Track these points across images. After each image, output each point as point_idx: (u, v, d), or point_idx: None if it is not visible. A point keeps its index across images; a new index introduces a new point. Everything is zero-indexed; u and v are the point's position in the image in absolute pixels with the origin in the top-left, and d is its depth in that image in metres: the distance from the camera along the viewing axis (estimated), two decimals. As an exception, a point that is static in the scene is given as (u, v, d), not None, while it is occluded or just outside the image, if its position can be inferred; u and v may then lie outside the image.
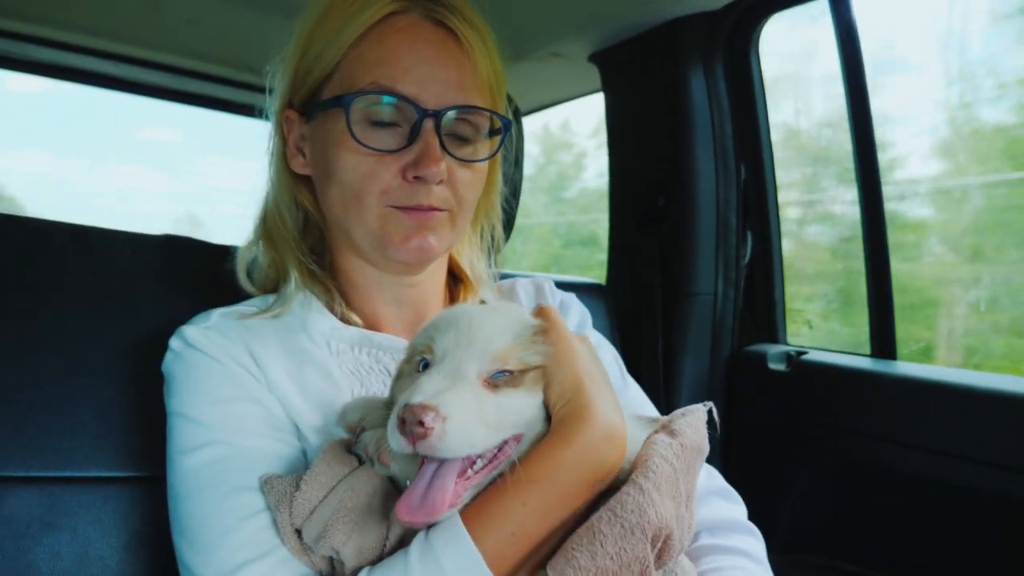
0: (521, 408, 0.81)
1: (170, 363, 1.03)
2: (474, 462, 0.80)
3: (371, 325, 1.13)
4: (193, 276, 1.27)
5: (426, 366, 0.83)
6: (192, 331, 1.02)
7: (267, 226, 1.15)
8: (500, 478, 0.80)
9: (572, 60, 2.25)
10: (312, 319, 1.08)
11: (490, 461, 0.81)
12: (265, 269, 1.15)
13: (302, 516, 0.83)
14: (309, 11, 1.07)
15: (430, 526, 0.80)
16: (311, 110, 1.07)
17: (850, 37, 1.74)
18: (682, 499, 0.83)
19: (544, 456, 0.80)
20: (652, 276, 2.04)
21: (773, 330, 2.03)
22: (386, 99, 1.00)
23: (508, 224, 1.65)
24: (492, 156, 1.11)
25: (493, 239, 1.29)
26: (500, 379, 0.80)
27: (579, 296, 1.37)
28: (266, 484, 0.88)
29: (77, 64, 2.46)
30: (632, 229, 2.12)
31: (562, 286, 1.38)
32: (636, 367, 1.99)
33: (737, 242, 2.01)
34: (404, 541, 0.82)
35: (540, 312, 0.89)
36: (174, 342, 1.03)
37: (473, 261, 1.27)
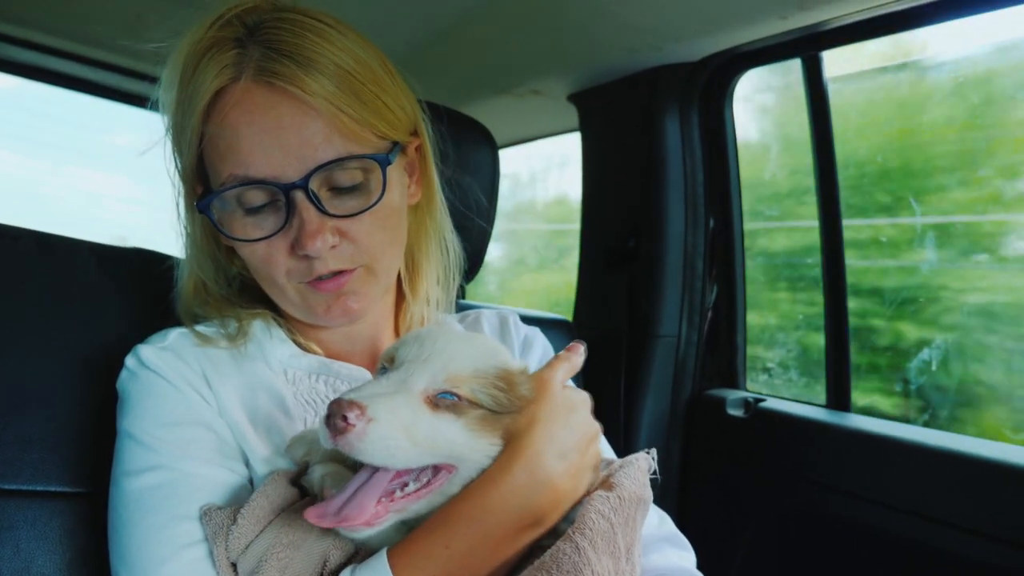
0: (455, 439, 0.79)
1: (124, 381, 1.02)
2: (406, 484, 0.79)
3: (331, 357, 1.12)
4: (161, 291, 1.25)
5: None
6: (147, 351, 1.02)
7: (194, 295, 1.12)
8: (430, 514, 0.80)
9: (552, 99, 2.29)
10: (271, 346, 1.08)
11: (422, 487, 0.80)
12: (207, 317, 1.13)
13: (237, 550, 0.83)
14: (164, 95, 1.01)
15: (358, 562, 0.80)
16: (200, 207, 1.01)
17: (820, 98, 1.79)
18: (621, 553, 0.82)
19: (471, 495, 0.80)
20: (618, 315, 2.06)
21: (733, 375, 2.07)
22: (248, 187, 0.94)
23: (479, 255, 1.66)
24: (382, 195, 0.98)
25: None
26: (444, 401, 0.79)
27: (544, 332, 1.37)
28: (205, 515, 0.88)
29: (59, 68, 2.45)
30: (601, 267, 2.15)
31: (528, 320, 1.39)
32: (597, 404, 1.99)
33: (703, 286, 2.05)
34: None
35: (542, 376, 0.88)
36: (129, 360, 1.03)
37: (414, 279, 1.20)
